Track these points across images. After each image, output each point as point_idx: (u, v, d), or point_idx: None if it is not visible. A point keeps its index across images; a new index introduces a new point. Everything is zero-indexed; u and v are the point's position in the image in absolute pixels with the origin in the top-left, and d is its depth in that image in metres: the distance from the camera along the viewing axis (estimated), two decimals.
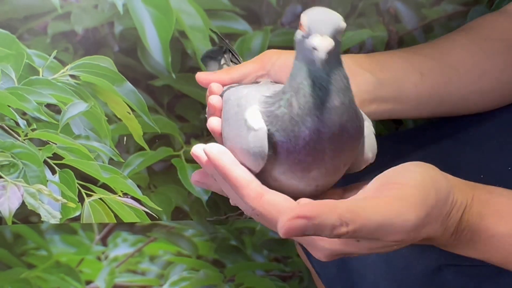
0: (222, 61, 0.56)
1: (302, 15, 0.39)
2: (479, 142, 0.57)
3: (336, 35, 0.38)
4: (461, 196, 0.41)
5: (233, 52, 0.57)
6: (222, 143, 0.46)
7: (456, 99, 0.57)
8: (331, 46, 0.37)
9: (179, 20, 0.67)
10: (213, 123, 0.47)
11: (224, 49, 0.58)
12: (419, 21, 0.71)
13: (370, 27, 0.71)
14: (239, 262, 0.83)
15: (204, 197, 0.78)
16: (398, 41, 0.72)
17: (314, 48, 0.36)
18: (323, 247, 0.39)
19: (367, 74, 0.51)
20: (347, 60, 0.46)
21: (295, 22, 0.70)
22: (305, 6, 0.69)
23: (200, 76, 0.52)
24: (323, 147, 0.39)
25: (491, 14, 0.61)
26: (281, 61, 0.50)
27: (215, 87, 0.49)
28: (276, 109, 0.40)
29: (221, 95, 0.49)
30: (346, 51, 0.72)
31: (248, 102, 0.43)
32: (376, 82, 0.51)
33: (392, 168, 0.41)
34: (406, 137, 0.64)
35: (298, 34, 0.40)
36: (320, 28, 0.37)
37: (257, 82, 0.52)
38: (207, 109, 0.50)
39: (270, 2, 0.68)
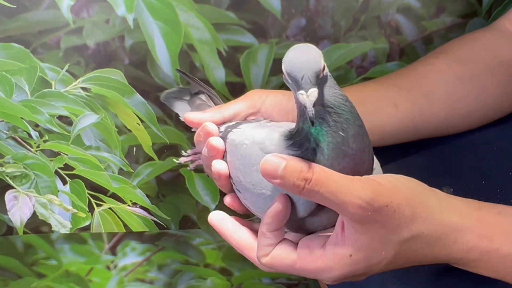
0: (198, 101, 0.55)
1: (283, 63, 0.39)
2: (480, 148, 0.58)
3: (318, 77, 0.39)
4: (457, 218, 0.42)
5: (209, 93, 0.55)
6: (226, 186, 0.47)
7: (434, 124, 0.57)
8: (314, 98, 0.38)
9: (187, 33, 0.69)
10: (220, 167, 0.46)
11: (197, 90, 0.56)
12: (419, 33, 0.72)
13: (372, 39, 0.72)
14: (246, 270, 0.83)
15: (212, 206, 0.78)
16: (399, 52, 0.73)
17: (304, 106, 0.38)
18: (327, 277, 0.42)
19: None
20: None
21: (300, 34, 0.71)
22: (309, 20, 0.70)
23: (190, 116, 0.51)
24: None
25: (475, 32, 0.62)
26: (270, 100, 0.51)
27: (212, 127, 0.48)
28: (305, 155, 0.41)
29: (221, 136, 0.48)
30: (349, 62, 0.73)
31: (275, 146, 0.42)
32: None
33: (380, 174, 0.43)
34: (408, 146, 0.64)
35: (286, 80, 0.40)
36: (300, 83, 0.38)
37: (246, 120, 0.51)
38: (205, 151, 0.48)
39: (275, 15, 0.70)
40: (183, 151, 0.55)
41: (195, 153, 0.54)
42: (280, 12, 0.69)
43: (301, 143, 0.41)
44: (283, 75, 0.40)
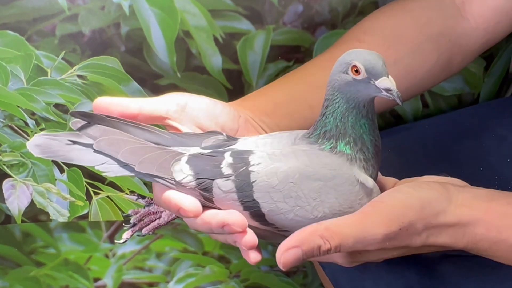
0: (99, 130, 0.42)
1: (351, 61, 0.42)
2: (477, 135, 0.58)
3: None
4: (467, 212, 0.43)
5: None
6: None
7: None
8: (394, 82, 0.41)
9: (183, 20, 0.68)
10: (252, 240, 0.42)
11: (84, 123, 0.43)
12: None
13: None
14: (244, 258, 0.84)
15: None
16: None
17: (389, 89, 0.41)
18: (338, 262, 0.44)
19: (268, 122, 0.51)
20: (247, 111, 0.48)
21: (297, 20, 0.71)
22: (306, 6, 0.70)
23: (100, 102, 0.43)
24: None
25: (406, 1, 0.59)
26: (195, 102, 0.46)
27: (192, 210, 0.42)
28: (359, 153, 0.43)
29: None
30: None
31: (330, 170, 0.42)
32: (276, 127, 0.51)
33: (388, 190, 0.44)
34: (405, 132, 0.64)
35: (346, 77, 0.42)
36: (381, 71, 0.41)
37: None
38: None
39: (272, 1, 0.69)
40: (124, 224, 0.46)
41: (148, 214, 0.46)
42: None
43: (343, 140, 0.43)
44: (346, 74, 0.42)
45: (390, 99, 0.41)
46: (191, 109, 0.46)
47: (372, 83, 0.41)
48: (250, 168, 0.42)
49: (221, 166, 0.42)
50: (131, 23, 0.68)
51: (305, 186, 0.42)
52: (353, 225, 0.41)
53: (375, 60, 0.41)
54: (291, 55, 0.73)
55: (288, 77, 0.55)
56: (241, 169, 0.42)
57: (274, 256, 0.83)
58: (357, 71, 0.41)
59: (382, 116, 0.76)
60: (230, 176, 0.42)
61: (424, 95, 0.77)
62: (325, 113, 0.43)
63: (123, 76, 0.70)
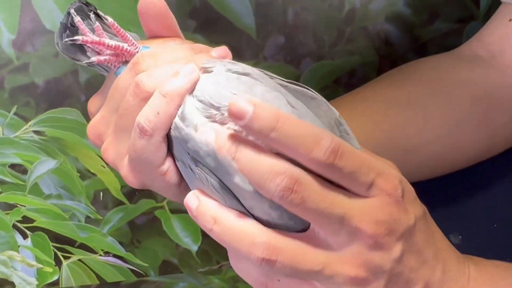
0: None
1: None
2: (490, 183, 0.52)
3: None
4: None
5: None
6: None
7: None
8: None
9: None
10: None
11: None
12: (411, 42, 0.68)
13: (360, 53, 0.68)
14: None
15: (194, 248, 0.74)
16: (390, 66, 0.68)
17: None
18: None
19: None
20: None
21: (279, 54, 0.66)
22: (288, 36, 0.66)
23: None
24: None
25: (432, 58, 0.56)
26: None
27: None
28: None
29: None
30: (336, 80, 0.69)
31: None
32: None
33: None
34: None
35: None
36: None
37: None
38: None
39: (250, 34, 0.65)
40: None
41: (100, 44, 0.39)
42: (255, 30, 0.65)
43: None
44: None
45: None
46: None
47: None
48: None
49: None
50: (91, 70, 0.62)
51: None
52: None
53: None
54: None
55: None
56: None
57: None
58: None
59: None
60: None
61: None
62: None
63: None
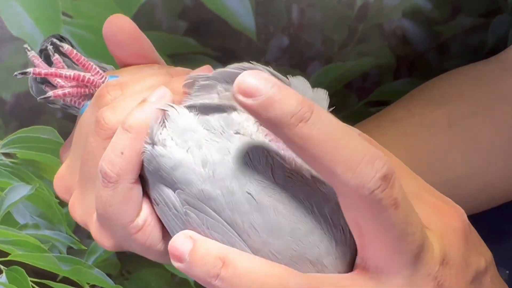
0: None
1: None
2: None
3: None
4: None
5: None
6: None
7: None
8: None
9: None
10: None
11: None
12: (432, 41, 0.65)
13: (374, 54, 0.64)
14: None
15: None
16: (408, 67, 0.65)
17: None
18: None
19: None
20: None
21: (283, 57, 0.62)
22: (293, 37, 0.62)
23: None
24: None
25: (471, 68, 0.51)
26: None
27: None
28: None
29: None
30: (347, 85, 0.65)
31: None
32: None
33: None
34: None
35: None
36: None
37: None
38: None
39: (250, 37, 0.60)
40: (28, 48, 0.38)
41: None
42: (255, 32, 0.60)
43: None
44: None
45: None
46: None
47: None
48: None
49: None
50: None
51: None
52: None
53: None
54: None
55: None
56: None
57: None
58: None
59: None
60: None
61: None
62: None
63: None
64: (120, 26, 0.34)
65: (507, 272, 0.44)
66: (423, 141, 0.43)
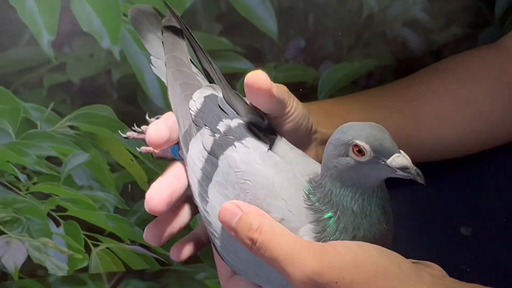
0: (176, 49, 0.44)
1: (351, 140, 0.35)
2: (502, 178, 0.53)
3: None
4: None
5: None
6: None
7: (421, 150, 0.53)
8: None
9: None
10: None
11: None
12: (428, 47, 0.68)
13: (377, 57, 0.68)
14: None
15: None
16: (407, 69, 0.67)
17: (405, 167, 0.35)
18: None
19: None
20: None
21: (299, 56, 0.67)
22: (308, 40, 0.66)
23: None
24: None
25: (479, 49, 0.57)
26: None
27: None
28: (322, 233, 0.37)
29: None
30: (354, 82, 0.69)
31: (296, 220, 0.37)
32: None
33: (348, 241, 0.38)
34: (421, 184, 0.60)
35: (348, 161, 0.36)
36: (391, 147, 0.35)
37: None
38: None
39: (272, 38, 0.66)
40: (135, 127, 0.47)
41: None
42: (277, 34, 0.65)
43: (319, 221, 0.37)
44: (346, 157, 0.36)
45: (409, 178, 0.35)
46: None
47: (383, 163, 0.35)
48: (235, 144, 0.39)
49: (222, 120, 0.40)
50: (123, 69, 0.65)
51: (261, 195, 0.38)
52: (291, 243, 0.35)
53: (380, 135, 0.35)
54: (295, 92, 0.69)
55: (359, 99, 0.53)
56: (228, 136, 0.40)
57: None
58: (360, 151, 0.35)
59: None
60: (215, 134, 0.40)
61: None
62: (322, 209, 0.37)
63: (116, 124, 0.67)
64: (258, 80, 0.42)
65: (470, 229, 0.48)
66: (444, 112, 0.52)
